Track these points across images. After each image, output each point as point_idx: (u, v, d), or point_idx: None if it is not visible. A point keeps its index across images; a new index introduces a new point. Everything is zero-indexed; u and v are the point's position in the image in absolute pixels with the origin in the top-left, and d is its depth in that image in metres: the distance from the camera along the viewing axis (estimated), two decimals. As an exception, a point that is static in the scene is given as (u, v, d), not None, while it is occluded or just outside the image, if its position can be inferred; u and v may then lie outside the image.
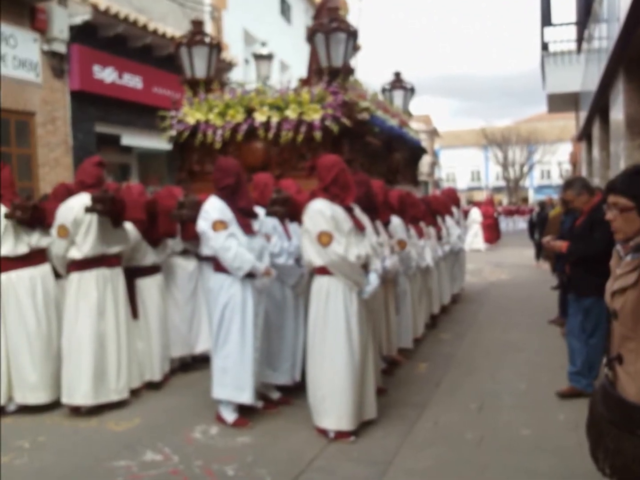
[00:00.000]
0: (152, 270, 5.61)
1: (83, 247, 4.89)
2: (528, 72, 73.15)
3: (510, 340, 7.22)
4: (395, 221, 6.00)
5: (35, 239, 5.01)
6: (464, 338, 7.39)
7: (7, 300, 4.90)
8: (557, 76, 16.11)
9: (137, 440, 4.31)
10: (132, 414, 4.88)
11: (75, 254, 4.90)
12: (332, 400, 4.24)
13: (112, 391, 4.95)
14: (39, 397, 4.93)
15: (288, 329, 5.07)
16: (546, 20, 16.21)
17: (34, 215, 4.89)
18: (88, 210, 4.77)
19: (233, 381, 4.52)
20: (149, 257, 5.56)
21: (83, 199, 4.86)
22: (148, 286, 5.54)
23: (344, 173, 4.44)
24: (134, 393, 5.23)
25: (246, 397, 4.54)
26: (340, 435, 4.25)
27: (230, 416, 4.59)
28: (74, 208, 4.85)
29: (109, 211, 4.85)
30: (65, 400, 4.88)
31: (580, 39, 14.70)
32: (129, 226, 5.30)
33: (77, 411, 4.88)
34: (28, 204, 4.85)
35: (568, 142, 37.73)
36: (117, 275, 5.11)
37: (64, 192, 5.29)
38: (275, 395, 5.07)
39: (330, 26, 6.29)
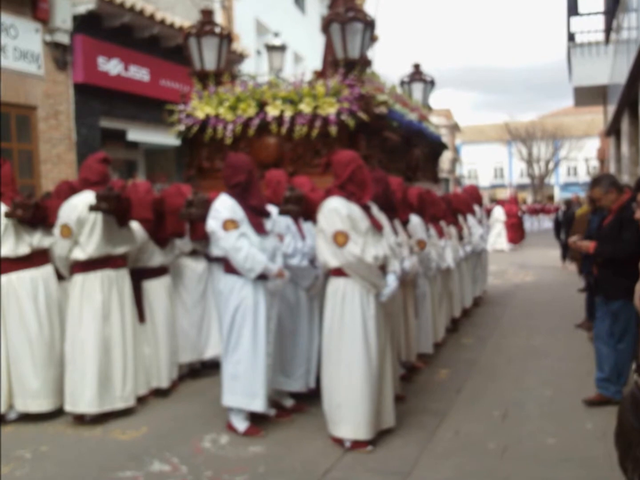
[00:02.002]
0: (160, 271, 5.57)
1: (87, 247, 4.83)
2: (553, 64, 72.68)
3: (535, 345, 7.15)
4: (415, 220, 5.96)
5: (37, 239, 4.96)
6: (486, 343, 7.33)
7: (8, 303, 4.86)
8: (584, 68, 16.06)
9: (143, 450, 4.26)
10: (138, 422, 4.84)
11: (79, 254, 4.85)
12: (349, 408, 4.19)
13: (118, 398, 4.90)
14: (41, 404, 4.88)
15: (302, 333, 5.02)
16: (573, 9, 16.18)
17: (36, 214, 4.84)
18: (92, 208, 4.71)
19: (244, 388, 4.47)
20: (156, 258, 5.51)
21: (87, 197, 4.81)
22: (155, 288, 5.49)
23: (361, 170, 4.40)
24: (141, 400, 5.18)
25: (258, 404, 4.48)
26: (357, 444, 4.20)
27: (241, 425, 4.54)
28: (78, 207, 4.80)
29: (114, 210, 4.79)
30: (68, 408, 4.82)
31: (608, 29, 14.56)
32: (135, 226, 5.26)
33: (80, 419, 4.84)
34: (29, 202, 4.80)
35: (596, 137, 37.59)
36: (122, 277, 5.06)
37: (67, 190, 5.25)
38: (289, 402, 5.02)
39: (346, 16, 6.19)
